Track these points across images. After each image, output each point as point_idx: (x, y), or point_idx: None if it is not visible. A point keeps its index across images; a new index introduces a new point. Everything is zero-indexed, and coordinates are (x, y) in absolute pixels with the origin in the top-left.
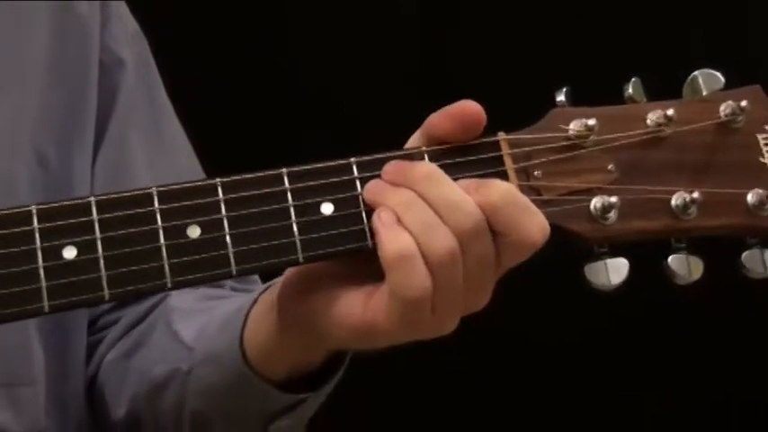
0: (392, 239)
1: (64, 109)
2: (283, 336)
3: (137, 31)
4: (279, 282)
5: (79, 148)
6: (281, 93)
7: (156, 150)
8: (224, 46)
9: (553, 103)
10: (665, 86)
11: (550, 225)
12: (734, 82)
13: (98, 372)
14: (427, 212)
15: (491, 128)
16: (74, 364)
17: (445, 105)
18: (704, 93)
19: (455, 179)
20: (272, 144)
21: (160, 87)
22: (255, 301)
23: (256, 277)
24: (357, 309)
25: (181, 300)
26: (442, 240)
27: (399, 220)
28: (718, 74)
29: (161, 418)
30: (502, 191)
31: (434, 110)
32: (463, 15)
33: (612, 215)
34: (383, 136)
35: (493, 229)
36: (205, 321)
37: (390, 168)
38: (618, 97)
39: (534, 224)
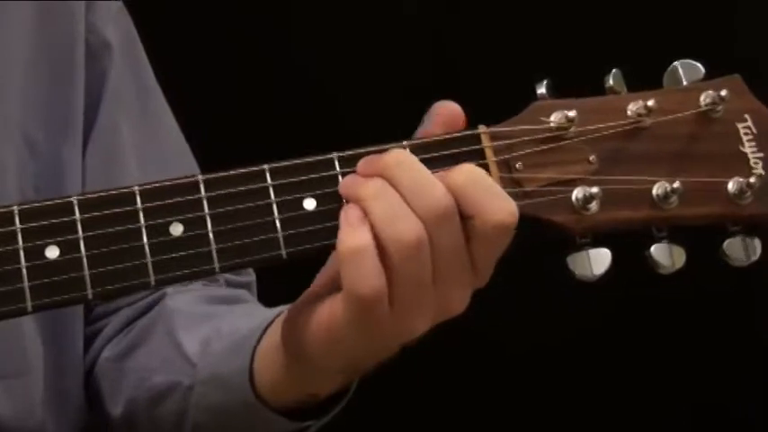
0: (349, 235)
1: (51, 93)
2: (287, 369)
3: (120, 7)
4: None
5: (68, 133)
6: (280, 91)
7: (143, 133)
8: (223, 42)
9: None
10: (646, 76)
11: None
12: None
13: (94, 367)
14: (394, 200)
15: (494, 121)
16: (71, 354)
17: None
18: (684, 83)
19: (435, 172)
20: (271, 140)
21: (146, 66)
22: (266, 329)
23: (251, 269)
24: (323, 316)
25: (180, 301)
26: (408, 227)
27: (366, 215)
28: (698, 64)
29: (160, 425)
30: (466, 172)
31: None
32: (463, 12)
33: (594, 205)
34: (383, 135)
35: (460, 212)
36: (209, 334)
37: (363, 161)
38: (599, 88)
39: (500, 206)
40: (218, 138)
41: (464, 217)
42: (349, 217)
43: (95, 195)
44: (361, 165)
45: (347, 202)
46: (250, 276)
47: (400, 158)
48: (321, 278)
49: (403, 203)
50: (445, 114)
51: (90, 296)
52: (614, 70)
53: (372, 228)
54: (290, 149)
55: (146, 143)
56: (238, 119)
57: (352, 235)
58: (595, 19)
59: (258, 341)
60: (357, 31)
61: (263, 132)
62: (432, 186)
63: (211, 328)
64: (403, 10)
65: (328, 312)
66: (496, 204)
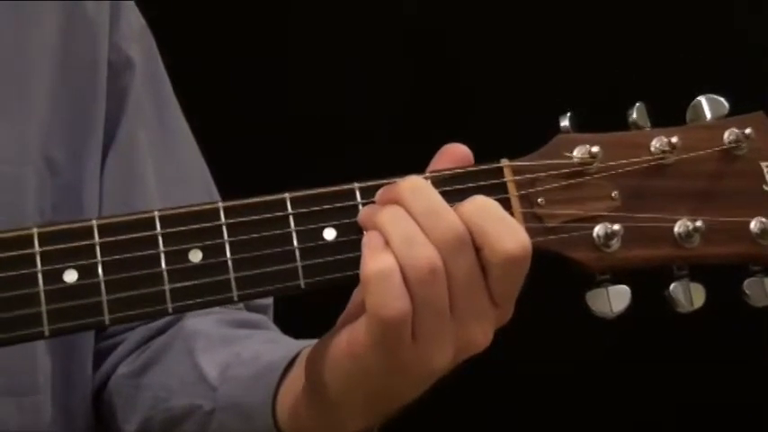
0: (372, 259)
1: (73, 111)
2: (308, 405)
3: (143, 26)
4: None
5: (88, 150)
6: (280, 92)
7: (161, 147)
8: (223, 46)
9: (556, 109)
10: (670, 109)
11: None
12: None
13: (107, 383)
14: (410, 225)
15: (496, 119)
16: (80, 369)
17: (447, 108)
18: (708, 118)
19: (453, 205)
20: (272, 142)
21: (166, 83)
22: (292, 363)
23: None
24: (344, 343)
25: (199, 322)
26: (423, 252)
27: (386, 242)
28: (723, 99)
29: None
30: (477, 202)
31: (437, 115)
32: (464, 12)
33: (615, 243)
34: (383, 135)
35: (474, 243)
36: (229, 359)
37: (380, 190)
38: (622, 121)
39: (510, 237)
40: (219, 138)
41: (476, 247)
42: (371, 242)
43: (115, 219)
44: (379, 193)
45: (366, 231)
46: (267, 300)
47: (414, 185)
48: (343, 318)
49: (417, 229)
50: (454, 154)
51: (107, 321)
52: (638, 104)
53: (393, 253)
54: (290, 150)
55: (163, 157)
56: (237, 120)
57: (376, 258)
58: (595, 19)
59: (283, 375)
60: (357, 31)
61: (264, 134)
62: (444, 212)
63: (231, 352)
64: (403, 10)
65: (350, 338)
66: (506, 235)
